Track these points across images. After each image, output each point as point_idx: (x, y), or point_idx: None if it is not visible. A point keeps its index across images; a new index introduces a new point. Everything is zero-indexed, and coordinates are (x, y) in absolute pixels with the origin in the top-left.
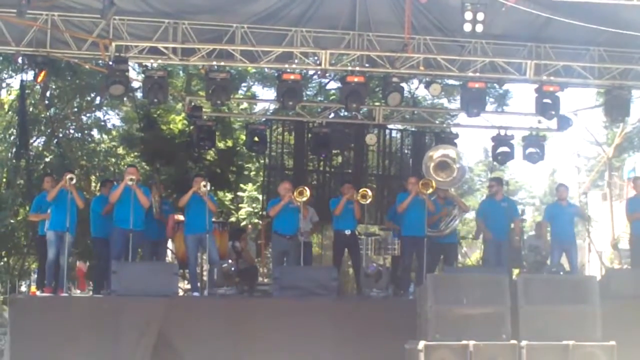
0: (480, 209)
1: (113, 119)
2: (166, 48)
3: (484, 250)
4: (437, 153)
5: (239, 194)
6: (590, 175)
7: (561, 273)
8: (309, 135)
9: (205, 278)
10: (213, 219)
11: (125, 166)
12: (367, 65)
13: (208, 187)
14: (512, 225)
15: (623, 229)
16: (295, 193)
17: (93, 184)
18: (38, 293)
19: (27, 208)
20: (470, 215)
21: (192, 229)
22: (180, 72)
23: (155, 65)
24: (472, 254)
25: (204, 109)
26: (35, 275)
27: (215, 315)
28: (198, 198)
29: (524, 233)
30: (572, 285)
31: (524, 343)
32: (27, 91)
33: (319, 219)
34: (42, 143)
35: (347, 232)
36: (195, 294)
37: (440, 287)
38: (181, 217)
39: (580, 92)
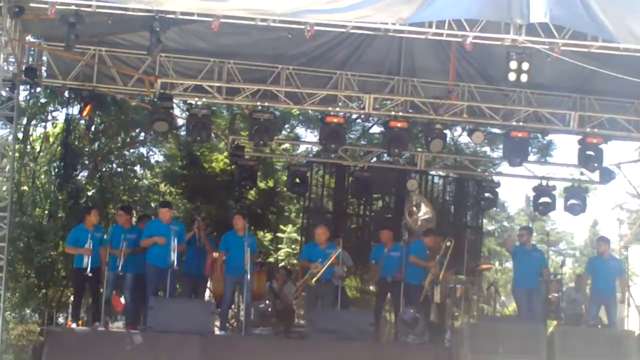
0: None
1: (156, 155)
2: (211, 87)
3: (515, 299)
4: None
5: (279, 234)
6: (632, 229)
7: (599, 327)
8: (350, 178)
9: (242, 318)
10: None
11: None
12: (410, 110)
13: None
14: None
15: None
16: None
17: (134, 219)
18: (73, 326)
19: None
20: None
21: (231, 270)
22: (224, 111)
23: (199, 103)
24: (509, 303)
25: (246, 149)
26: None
27: (250, 355)
28: (238, 239)
29: (563, 285)
30: (610, 339)
31: None
32: (71, 124)
33: (354, 263)
34: (84, 177)
35: (389, 279)
36: (222, 332)
37: (476, 336)
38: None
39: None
